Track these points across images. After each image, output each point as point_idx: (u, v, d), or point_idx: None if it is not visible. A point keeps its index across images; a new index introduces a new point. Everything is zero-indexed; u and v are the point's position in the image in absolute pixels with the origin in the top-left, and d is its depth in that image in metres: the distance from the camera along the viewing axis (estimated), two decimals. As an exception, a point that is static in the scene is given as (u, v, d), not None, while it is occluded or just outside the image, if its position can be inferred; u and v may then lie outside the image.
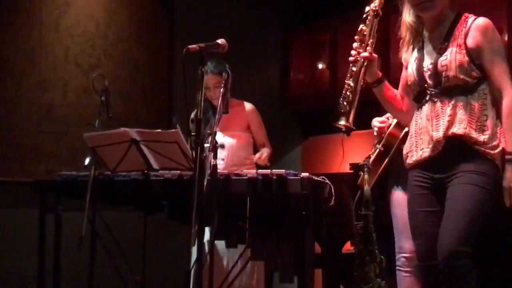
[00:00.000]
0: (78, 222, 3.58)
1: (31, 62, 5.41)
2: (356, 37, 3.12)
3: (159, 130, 3.73)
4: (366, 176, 3.38)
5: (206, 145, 3.16)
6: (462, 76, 2.89)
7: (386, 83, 3.16)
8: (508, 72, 2.93)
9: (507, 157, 2.88)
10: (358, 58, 3.06)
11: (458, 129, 2.88)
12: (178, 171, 3.75)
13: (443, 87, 2.92)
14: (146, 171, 3.83)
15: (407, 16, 3.06)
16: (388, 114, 3.75)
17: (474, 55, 2.90)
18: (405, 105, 3.17)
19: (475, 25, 2.92)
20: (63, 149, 5.47)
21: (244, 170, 3.77)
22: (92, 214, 3.81)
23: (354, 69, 3.07)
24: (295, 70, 6.61)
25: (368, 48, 3.07)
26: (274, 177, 3.47)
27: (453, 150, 2.90)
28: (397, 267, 3.67)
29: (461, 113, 2.89)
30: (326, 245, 4.25)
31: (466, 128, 2.87)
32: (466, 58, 2.89)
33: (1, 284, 5.03)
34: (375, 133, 3.70)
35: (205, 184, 3.02)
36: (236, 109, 4.29)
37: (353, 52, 3.09)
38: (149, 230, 4.13)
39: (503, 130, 2.91)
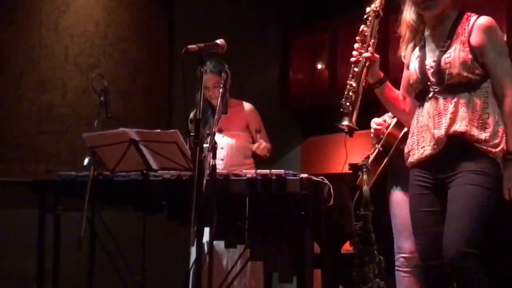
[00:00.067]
0: (78, 222, 3.58)
1: (31, 62, 5.42)
2: (357, 37, 3.12)
3: (158, 130, 3.73)
4: (365, 177, 3.38)
5: (205, 145, 3.16)
6: (465, 74, 2.89)
7: (388, 83, 3.17)
8: (511, 71, 2.94)
9: (508, 156, 2.88)
10: (360, 59, 3.07)
11: (459, 126, 2.88)
12: (177, 171, 3.75)
13: (446, 85, 2.92)
14: (145, 171, 3.83)
15: (408, 15, 3.06)
16: (386, 115, 3.76)
17: (478, 53, 2.91)
18: (407, 106, 3.17)
19: (478, 24, 2.93)
20: (62, 149, 5.47)
21: (243, 170, 3.77)
22: (91, 214, 3.81)
23: (356, 69, 3.07)
24: (295, 70, 6.61)
25: (369, 48, 3.08)
26: (273, 177, 3.47)
27: (454, 148, 2.90)
28: (396, 267, 3.67)
29: (463, 111, 2.89)
30: (325, 245, 4.25)
31: (467, 125, 2.87)
32: (470, 56, 2.90)
33: (0, 284, 5.03)
34: (372, 135, 3.70)
35: (204, 184, 3.02)
36: (235, 109, 4.29)
37: (354, 52, 3.09)
38: (148, 230, 4.13)
39: (505, 129, 2.91)
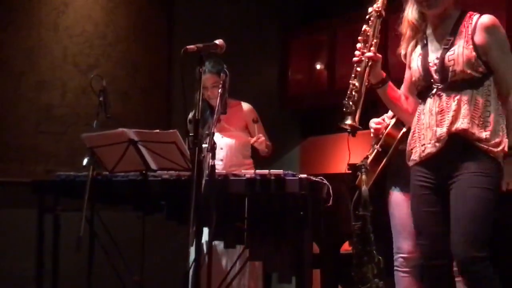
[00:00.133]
0: (77, 222, 3.58)
1: (30, 62, 5.42)
2: (359, 37, 3.12)
3: (157, 131, 3.73)
4: (364, 177, 3.38)
5: (204, 145, 3.16)
6: (469, 71, 2.89)
7: (390, 83, 3.17)
8: None
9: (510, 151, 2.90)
10: (363, 58, 3.07)
11: (461, 123, 2.88)
12: (176, 172, 3.75)
13: (449, 82, 2.93)
14: (144, 172, 3.83)
15: (410, 13, 3.07)
16: (385, 115, 3.76)
17: (481, 52, 2.91)
18: (410, 105, 3.17)
19: (481, 23, 2.93)
20: (62, 149, 5.47)
21: (243, 171, 3.77)
22: (90, 214, 3.81)
23: (358, 69, 3.08)
24: (294, 70, 6.61)
25: (372, 48, 3.09)
26: (272, 178, 3.47)
27: (455, 147, 2.90)
28: (395, 268, 3.68)
29: (465, 108, 2.89)
30: (324, 246, 4.25)
31: (469, 123, 2.87)
32: (473, 53, 2.90)
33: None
34: (371, 134, 3.71)
35: (203, 184, 3.02)
36: (233, 109, 4.29)
37: (357, 52, 3.09)
38: (148, 230, 4.13)
39: (507, 127, 2.92)
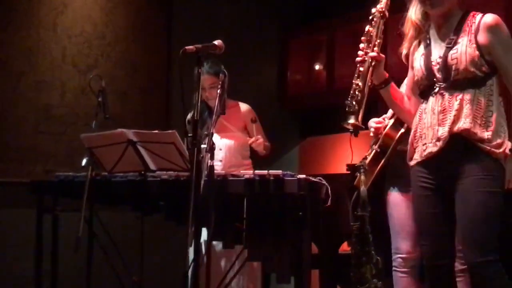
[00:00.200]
0: (76, 222, 3.58)
1: (29, 62, 5.42)
2: (362, 38, 3.13)
3: (156, 131, 3.73)
4: (362, 177, 3.37)
5: (203, 146, 3.16)
6: (472, 69, 2.89)
7: (393, 84, 3.17)
8: None
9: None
10: (366, 58, 3.08)
11: (463, 123, 2.88)
12: (175, 172, 3.75)
13: (452, 80, 2.92)
14: (143, 172, 3.83)
15: (414, 14, 3.07)
16: (384, 115, 3.76)
17: (485, 51, 2.91)
18: (413, 106, 3.16)
19: (484, 22, 2.93)
20: (61, 150, 5.48)
21: (241, 171, 3.77)
22: (89, 214, 3.81)
23: (361, 69, 3.08)
24: (293, 71, 6.61)
25: (375, 48, 3.09)
26: (271, 178, 3.47)
27: (457, 147, 2.89)
28: (394, 268, 3.68)
29: (467, 108, 2.89)
30: (323, 246, 4.25)
31: (471, 122, 2.87)
32: (477, 52, 2.90)
33: (-2, 284, 5.04)
34: (371, 134, 3.71)
35: (202, 185, 3.02)
36: (232, 110, 4.28)
37: (360, 52, 3.10)
38: (146, 230, 4.13)
39: (509, 128, 2.93)
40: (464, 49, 2.91)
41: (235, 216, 3.61)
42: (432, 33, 3.05)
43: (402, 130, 3.54)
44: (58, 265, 4.40)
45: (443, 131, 2.91)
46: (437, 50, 3.00)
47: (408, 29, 3.09)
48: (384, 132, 3.65)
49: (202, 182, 3.04)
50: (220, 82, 3.31)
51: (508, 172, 2.92)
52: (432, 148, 2.94)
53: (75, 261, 3.88)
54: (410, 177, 3.11)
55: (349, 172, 4.04)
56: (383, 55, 3.11)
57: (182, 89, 3.00)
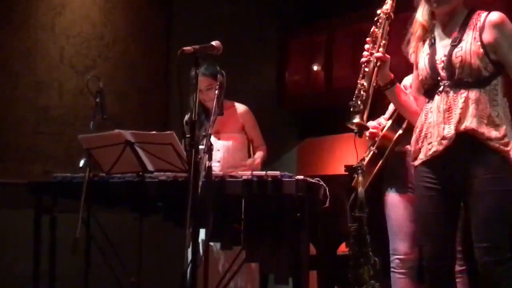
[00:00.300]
0: (74, 223, 3.57)
1: (27, 63, 5.42)
2: (367, 38, 3.13)
3: (154, 132, 3.72)
4: (360, 178, 3.38)
5: (201, 147, 3.16)
6: (476, 68, 2.89)
7: (398, 85, 3.17)
8: None
9: None
10: (371, 59, 3.08)
11: (470, 122, 2.87)
12: (173, 173, 3.74)
13: (457, 79, 2.92)
14: (141, 173, 3.82)
15: (421, 15, 3.07)
16: (381, 118, 3.76)
17: (491, 50, 2.90)
18: (420, 107, 3.14)
19: (489, 21, 2.93)
20: (60, 150, 5.48)
21: (239, 172, 3.77)
22: (87, 215, 3.81)
23: (366, 69, 3.08)
24: (292, 71, 6.60)
25: (380, 49, 3.09)
26: (269, 179, 3.48)
27: (463, 146, 2.89)
28: (392, 269, 3.68)
29: (473, 107, 2.88)
30: (321, 247, 4.25)
31: (478, 122, 2.87)
32: (481, 51, 2.89)
33: (-3, 285, 5.04)
34: (367, 138, 3.71)
35: (200, 186, 3.02)
36: (229, 111, 4.28)
37: (365, 53, 3.10)
38: (144, 231, 4.12)
39: None
40: (468, 47, 2.91)
41: (233, 217, 3.61)
42: (437, 32, 3.05)
43: (400, 132, 3.54)
44: (56, 266, 4.39)
45: (449, 130, 2.90)
46: (442, 49, 3.00)
47: (416, 30, 3.10)
48: (381, 134, 3.66)
49: (200, 183, 3.04)
50: (218, 83, 3.31)
51: None
52: (438, 147, 2.93)
53: (73, 261, 3.86)
54: (414, 177, 3.11)
55: (347, 173, 4.03)
56: (388, 56, 3.11)
57: (181, 89, 3.00)
